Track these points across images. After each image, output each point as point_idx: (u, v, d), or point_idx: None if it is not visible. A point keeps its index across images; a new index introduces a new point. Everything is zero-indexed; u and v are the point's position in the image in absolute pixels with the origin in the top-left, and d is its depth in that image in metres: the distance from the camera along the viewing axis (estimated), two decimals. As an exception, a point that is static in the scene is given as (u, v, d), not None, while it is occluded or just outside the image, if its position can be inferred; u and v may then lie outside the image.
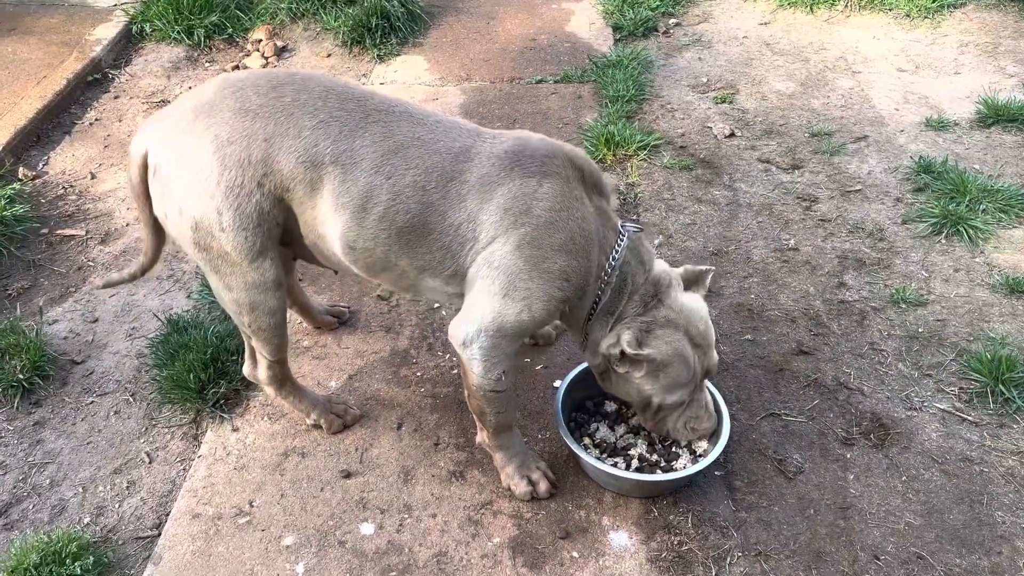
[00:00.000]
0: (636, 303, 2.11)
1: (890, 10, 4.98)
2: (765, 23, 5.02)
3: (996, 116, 3.91)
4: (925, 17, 4.89)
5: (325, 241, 2.12)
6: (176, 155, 2.01)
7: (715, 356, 2.18)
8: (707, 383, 2.30)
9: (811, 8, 5.07)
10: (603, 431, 2.45)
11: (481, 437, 2.35)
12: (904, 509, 2.26)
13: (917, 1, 4.94)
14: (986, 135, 3.85)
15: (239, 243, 2.04)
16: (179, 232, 2.10)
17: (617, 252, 2.09)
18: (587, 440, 2.42)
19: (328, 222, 2.05)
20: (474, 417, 2.30)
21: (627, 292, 2.11)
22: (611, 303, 2.12)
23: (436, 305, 2.96)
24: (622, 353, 2.07)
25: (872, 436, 2.46)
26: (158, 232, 2.24)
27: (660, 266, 2.19)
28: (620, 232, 2.12)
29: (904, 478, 2.34)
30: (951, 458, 2.39)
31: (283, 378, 2.46)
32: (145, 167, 2.08)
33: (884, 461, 2.39)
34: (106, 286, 2.57)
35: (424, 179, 2.00)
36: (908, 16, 4.91)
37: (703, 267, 2.24)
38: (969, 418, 2.51)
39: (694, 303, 2.15)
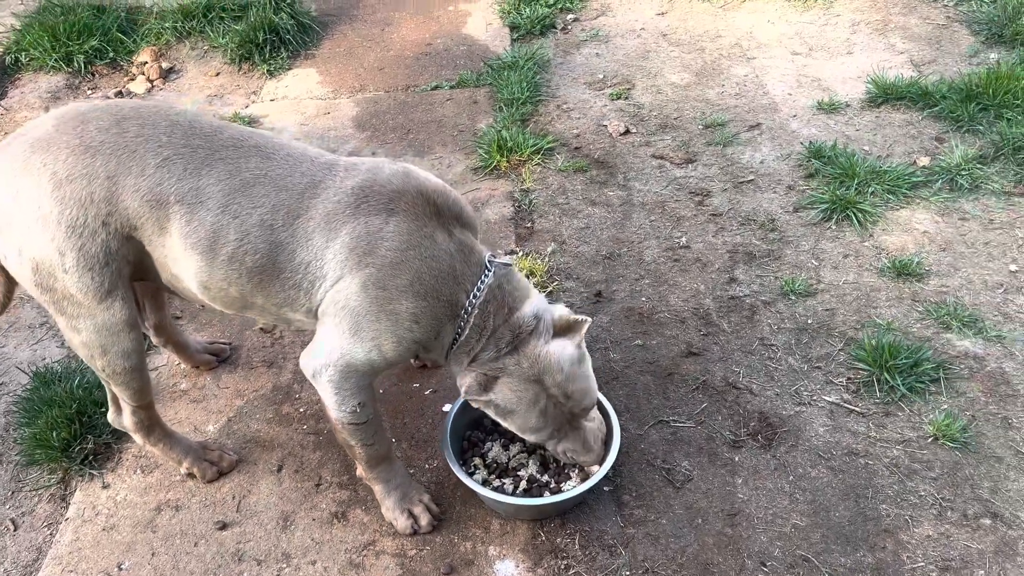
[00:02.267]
0: (491, 348, 2.01)
1: (784, -7, 4.99)
2: (662, 13, 4.99)
3: (885, 95, 3.94)
4: (818, -2, 4.91)
5: (179, 280, 2.03)
6: (13, 194, 1.89)
7: (586, 400, 2.07)
8: (601, 401, 2.24)
9: (707, -5, 5.06)
10: (496, 450, 2.38)
11: (360, 471, 2.27)
12: (791, 510, 2.23)
13: (809, -18, 4.96)
14: (876, 115, 3.87)
15: (85, 284, 1.93)
16: (20, 274, 1.98)
17: (479, 291, 2.01)
18: (477, 460, 2.35)
19: (180, 262, 1.96)
20: (347, 451, 2.21)
21: (485, 334, 2.01)
22: (468, 343, 2.03)
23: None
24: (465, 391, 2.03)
25: (760, 436, 2.43)
26: (6, 274, 2.11)
27: (533, 306, 2.05)
28: (486, 268, 2.03)
29: (791, 478, 2.31)
30: (837, 453, 2.37)
31: (151, 424, 2.33)
32: None
33: (772, 462, 2.36)
34: None
35: (272, 217, 1.92)
36: (801, -2, 4.93)
37: (579, 317, 2.07)
38: (856, 409, 2.50)
39: (557, 353, 2.01)
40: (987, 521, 2.16)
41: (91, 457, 2.49)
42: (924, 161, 3.51)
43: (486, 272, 2.01)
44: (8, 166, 1.90)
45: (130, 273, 2.02)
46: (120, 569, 2.21)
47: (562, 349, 2.01)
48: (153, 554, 2.24)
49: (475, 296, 1.98)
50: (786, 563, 2.11)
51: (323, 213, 1.93)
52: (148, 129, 1.92)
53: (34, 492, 2.47)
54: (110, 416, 2.36)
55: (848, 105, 3.96)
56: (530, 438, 2.10)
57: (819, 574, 2.08)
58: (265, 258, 1.93)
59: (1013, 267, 2.94)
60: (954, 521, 2.17)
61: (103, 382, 2.24)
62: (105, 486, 2.44)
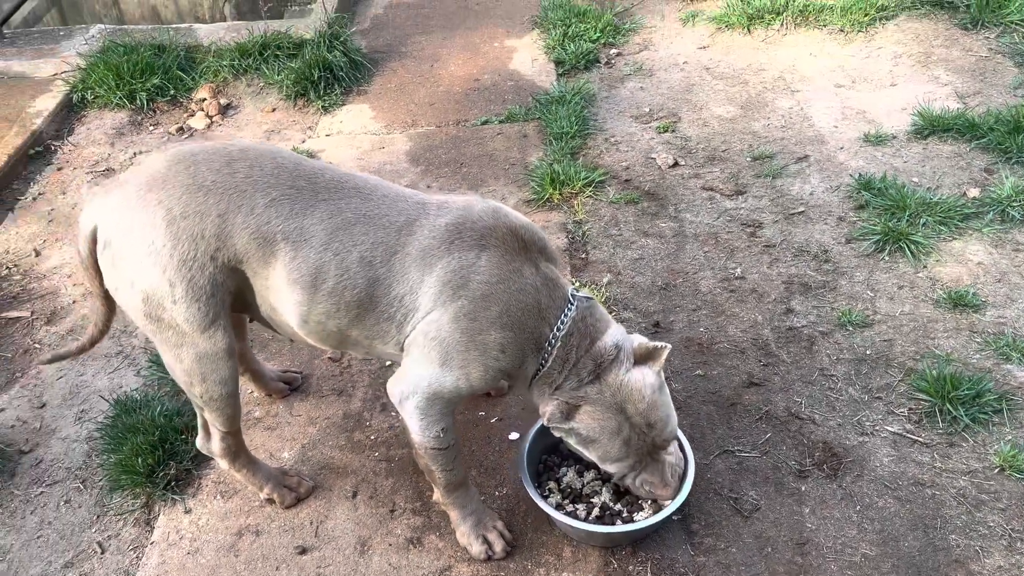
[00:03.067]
0: (573, 378, 2.09)
1: (824, 26, 5.07)
2: (704, 47, 5.09)
3: (932, 127, 3.98)
4: (859, 31, 4.98)
5: (278, 313, 2.14)
6: (127, 228, 2.01)
7: (667, 430, 2.13)
8: (679, 436, 2.31)
9: (748, 29, 5.15)
10: (570, 476, 2.43)
11: (437, 496, 2.34)
12: (860, 540, 2.26)
13: (850, 15, 5.04)
14: (923, 146, 3.92)
15: (192, 314, 2.04)
16: (129, 304, 2.10)
17: (562, 323, 2.08)
18: (552, 484, 2.42)
19: (282, 296, 2.08)
20: (426, 476, 2.29)
21: (569, 365, 2.08)
22: (551, 373, 2.10)
23: (388, 364, 2.94)
24: (548, 419, 2.11)
25: (825, 466, 2.47)
26: (109, 304, 2.24)
27: (613, 336, 2.12)
28: (569, 301, 2.11)
29: (859, 507, 2.35)
30: (903, 483, 2.40)
31: (237, 450, 2.43)
32: (94, 240, 2.08)
33: (839, 491, 2.40)
34: (52, 360, 2.57)
35: (370, 254, 2.03)
36: (843, 31, 5.00)
37: (658, 344, 2.13)
38: (920, 439, 2.53)
39: (639, 380, 2.07)
40: (1058, 552, 2.19)
41: (173, 483, 2.59)
42: (974, 192, 3.55)
43: (570, 305, 2.09)
44: (123, 202, 2.03)
45: (230, 303, 2.13)
46: (206, 592, 2.29)
47: (643, 377, 2.08)
48: (237, 577, 2.32)
49: (559, 328, 2.06)
50: (858, 592, 2.14)
51: (418, 249, 2.03)
52: (256, 171, 2.04)
53: (118, 516, 2.57)
54: (199, 441, 2.46)
55: (895, 137, 4.01)
56: (610, 468, 2.16)
57: (892, 603, 2.11)
58: (363, 292, 2.04)
59: (1070, 298, 2.97)
60: (1025, 552, 2.19)
61: (197, 408, 2.34)
62: (187, 511, 2.53)
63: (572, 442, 2.15)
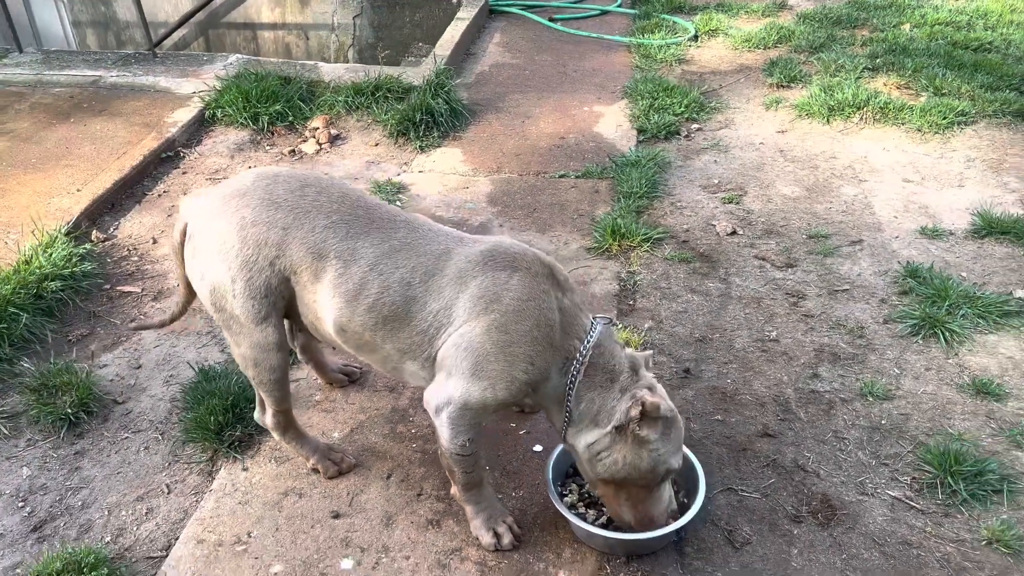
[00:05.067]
0: (626, 374, 2.33)
1: (903, 124, 5.27)
2: (782, 131, 5.35)
3: (989, 228, 4.12)
4: (936, 132, 5.15)
5: (321, 322, 2.46)
6: (208, 227, 2.41)
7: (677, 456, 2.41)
8: (690, 458, 2.57)
9: (827, 119, 5.40)
10: None
11: (454, 490, 2.62)
12: (840, 584, 2.42)
13: (929, 117, 5.22)
14: (978, 245, 4.05)
15: (247, 309, 2.41)
16: (202, 292, 2.49)
17: (591, 337, 2.33)
18: (574, 486, 2.68)
19: (325, 306, 2.39)
20: (447, 473, 2.57)
21: (617, 367, 2.33)
22: (603, 379, 2.31)
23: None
24: (641, 414, 2.24)
25: (820, 515, 2.63)
26: (190, 289, 2.63)
27: (627, 356, 2.40)
28: (593, 322, 2.38)
29: (844, 556, 2.50)
30: (892, 541, 2.54)
31: (287, 425, 2.77)
32: (184, 233, 2.49)
33: (828, 539, 2.56)
34: (137, 328, 3.01)
35: (410, 276, 2.32)
36: (920, 131, 5.19)
37: (646, 352, 2.45)
38: (917, 506, 2.66)
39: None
40: (1030, 624, 2.29)
41: (237, 443, 2.96)
42: (1020, 293, 3.66)
43: (595, 324, 2.37)
44: (209, 207, 2.43)
45: (283, 308, 2.48)
46: (249, 536, 2.63)
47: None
48: (277, 529, 2.65)
49: (588, 341, 2.32)
50: (828, 628, 2.29)
51: (454, 271, 2.32)
52: (323, 196, 2.40)
53: (187, 465, 2.95)
54: (256, 414, 2.83)
55: (952, 233, 4.16)
56: (675, 462, 2.34)
57: (858, 643, 2.25)
58: (400, 308, 2.32)
59: (1095, 400, 3.05)
60: (997, 619, 2.30)
61: (253, 386, 2.71)
62: (244, 469, 2.89)
63: (654, 436, 2.26)
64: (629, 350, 2.44)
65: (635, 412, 2.25)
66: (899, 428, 2.97)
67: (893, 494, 2.71)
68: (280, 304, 2.45)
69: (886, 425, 2.98)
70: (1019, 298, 3.62)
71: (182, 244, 2.51)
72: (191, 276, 2.51)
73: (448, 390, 2.32)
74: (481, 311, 2.27)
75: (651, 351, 2.50)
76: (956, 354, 3.32)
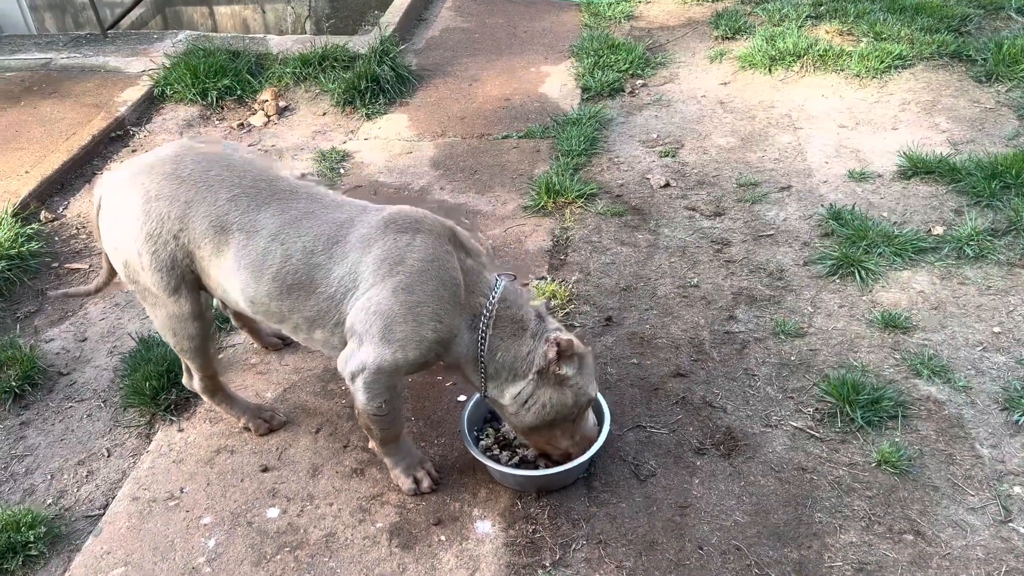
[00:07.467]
0: (535, 322, 2.46)
1: (842, 71, 5.32)
2: (725, 83, 5.41)
3: (915, 168, 4.21)
4: (874, 77, 5.22)
5: (229, 294, 2.54)
6: (116, 201, 2.50)
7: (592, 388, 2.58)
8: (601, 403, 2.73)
9: (769, 69, 5.45)
10: (507, 427, 2.79)
11: (373, 444, 2.74)
12: (735, 509, 2.56)
13: (867, 62, 5.28)
14: (903, 186, 4.15)
15: (157, 281, 2.50)
16: (116, 264, 2.59)
17: (496, 292, 2.44)
18: (490, 430, 2.84)
19: (231, 278, 2.46)
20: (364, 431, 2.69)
21: (524, 316, 2.45)
22: (513, 328, 2.44)
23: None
24: (558, 354, 2.38)
25: (723, 447, 2.77)
26: (110, 262, 2.73)
27: (533, 307, 2.54)
28: (497, 279, 2.48)
29: (742, 483, 2.64)
30: (788, 468, 2.68)
31: (214, 388, 2.89)
32: (100, 207, 2.58)
33: (728, 468, 2.70)
34: (61, 296, 3.13)
35: (312, 244, 2.39)
36: (858, 76, 5.25)
37: (544, 300, 2.61)
38: (817, 435, 2.80)
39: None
40: (909, 537, 2.43)
41: (173, 406, 3.09)
42: (938, 230, 3.76)
43: (498, 281, 2.47)
44: (119, 180, 2.52)
45: (194, 280, 2.55)
46: (182, 492, 2.76)
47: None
48: (208, 484, 2.79)
49: (492, 299, 2.42)
50: (720, 549, 2.44)
51: (357, 237, 2.39)
52: (227, 171, 2.46)
53: (127, 429, 3.08)
54: (184, 379, 2.95)
55: (879, 176, 4.25)
56: (593, 391, 2.53)
57: (746, 561, 2.40)
58: (304, 276, 2.39)
59: (997, 328, 3.17)
60: (879, 533, 2.45)
61: (176, 353, 2.82)
62: (180, 430, 3.02)
63: (571, 372, 2.43)
64: (534, 302, 2.56)
65: (552, 353, 2.38)
66: (807, 363, 3.09)
67: (795, 424, 2.85)
68: (189, 276, 2.53)
69: (795, 361, 3.11)
70: (936, 235, 3.73)
71: (98, 218, 2.61)
72: (106, 248, 2.61)
73: (361, 356, 2.38)
74: (386, 273, 2.34)
75: (546, 299, 2.61)
76: (870, 291, 3.44)
